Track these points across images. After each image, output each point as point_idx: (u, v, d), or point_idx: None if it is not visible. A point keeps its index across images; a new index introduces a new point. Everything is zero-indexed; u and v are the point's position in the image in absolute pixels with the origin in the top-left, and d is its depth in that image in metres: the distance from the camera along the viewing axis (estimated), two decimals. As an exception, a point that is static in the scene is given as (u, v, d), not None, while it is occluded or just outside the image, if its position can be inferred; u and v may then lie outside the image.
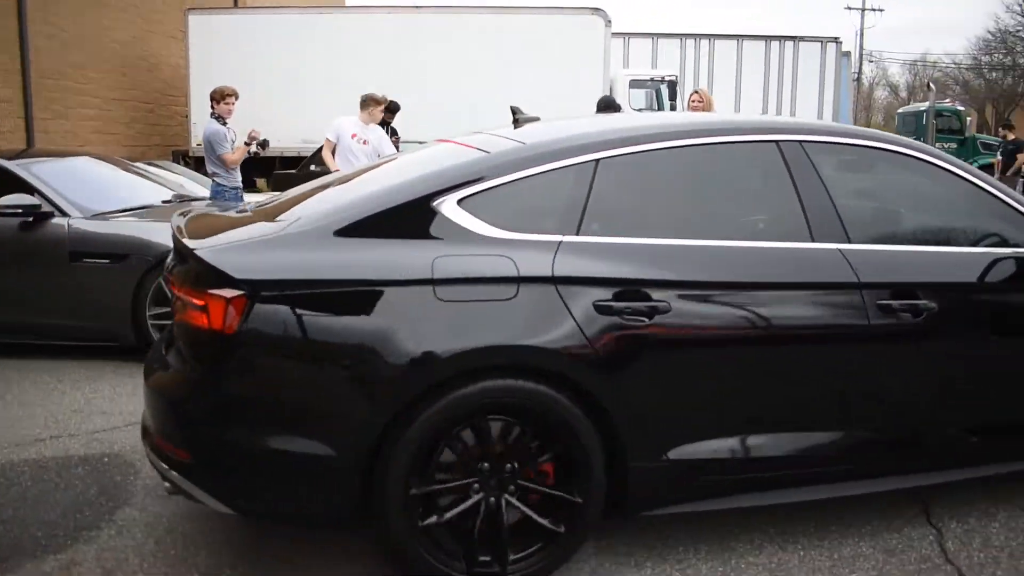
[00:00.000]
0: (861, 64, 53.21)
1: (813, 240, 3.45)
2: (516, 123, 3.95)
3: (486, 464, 3.13)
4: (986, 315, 3.68)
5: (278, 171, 16.53)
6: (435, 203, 3.14)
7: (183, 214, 3.72)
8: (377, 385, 2.94)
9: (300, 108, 16.72)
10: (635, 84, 19.08)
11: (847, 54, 26.84)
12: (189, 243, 3.14)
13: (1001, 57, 64.88)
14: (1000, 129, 19.33)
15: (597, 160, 3.34)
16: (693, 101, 8.26)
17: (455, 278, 3.01)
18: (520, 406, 3.07)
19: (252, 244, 3.08)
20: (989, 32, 71.64)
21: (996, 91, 67.24)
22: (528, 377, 3.04)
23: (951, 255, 3.70)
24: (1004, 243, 3.76)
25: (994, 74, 66.53)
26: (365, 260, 3.01)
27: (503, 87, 15.97)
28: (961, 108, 38.39)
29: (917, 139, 26.43)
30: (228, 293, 2.91)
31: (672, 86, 18.96)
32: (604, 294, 3.13)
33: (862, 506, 3.89)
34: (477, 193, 3.20)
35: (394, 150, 9.07)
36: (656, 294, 3.18)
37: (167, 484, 3.21)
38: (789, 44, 22.66)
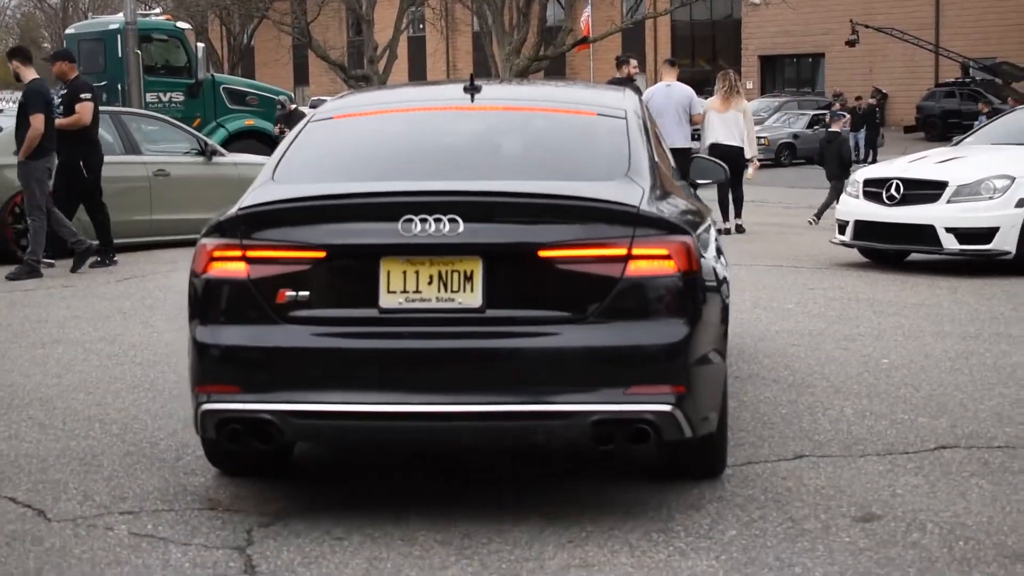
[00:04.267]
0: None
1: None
2: (472, 87, 4.32)
3: None
4: None
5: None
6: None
7: None
8: (726, 283, 4.03)
9: None
10: None
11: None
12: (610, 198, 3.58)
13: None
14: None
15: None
16: None
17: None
18: None
19: (647, 198, 3.63)
20: None
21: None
22: None
23: None
24: None
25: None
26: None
27: None
28: (186, 26, 23.14)
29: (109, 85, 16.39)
30: (687, 239, 3.52)
31: None
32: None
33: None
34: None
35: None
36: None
37: None
38: None
